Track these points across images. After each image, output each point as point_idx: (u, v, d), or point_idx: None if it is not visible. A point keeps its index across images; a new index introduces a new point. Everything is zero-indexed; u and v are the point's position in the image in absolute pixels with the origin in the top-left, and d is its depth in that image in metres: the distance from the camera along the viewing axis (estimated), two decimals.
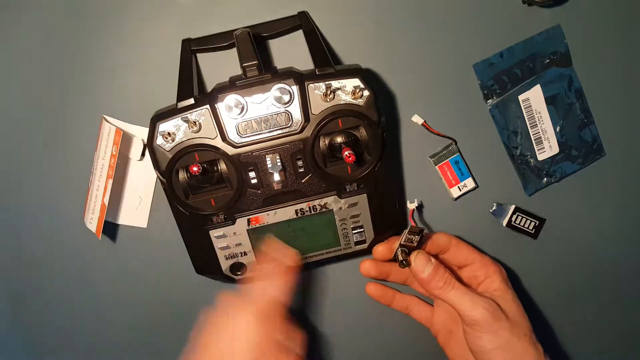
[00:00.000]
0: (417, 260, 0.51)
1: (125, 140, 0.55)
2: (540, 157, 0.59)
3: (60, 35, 0.55)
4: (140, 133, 0.56)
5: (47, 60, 0.55)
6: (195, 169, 0.48)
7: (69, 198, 0.58)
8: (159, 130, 0.48)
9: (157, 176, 0.50)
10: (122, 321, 0.62)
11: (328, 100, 0.48)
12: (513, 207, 0.59)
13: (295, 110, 0.48)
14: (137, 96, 0.56)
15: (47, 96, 0.56)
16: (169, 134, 0.48)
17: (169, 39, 0.54)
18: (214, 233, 0.52)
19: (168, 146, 0.48)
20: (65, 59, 0.55)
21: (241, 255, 0.54)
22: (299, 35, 0.54)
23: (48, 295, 0.61)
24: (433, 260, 0.51)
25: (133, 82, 0.56)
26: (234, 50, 0.50)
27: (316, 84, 0.48)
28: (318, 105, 0.48)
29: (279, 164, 0.49)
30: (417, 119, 0.57)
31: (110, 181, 0.53)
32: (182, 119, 0.48)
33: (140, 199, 0.58)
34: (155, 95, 0.54)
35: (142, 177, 0.58)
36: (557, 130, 0.59)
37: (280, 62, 0.55)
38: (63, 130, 0.57)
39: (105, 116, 0.55)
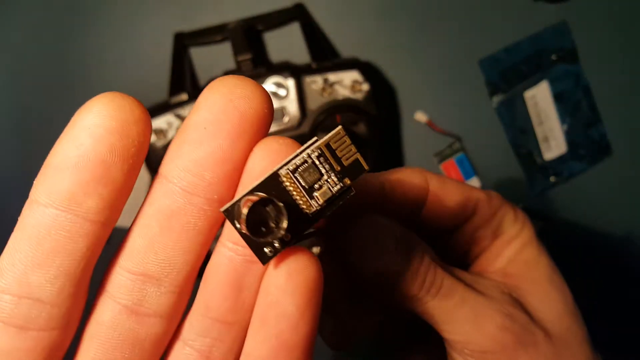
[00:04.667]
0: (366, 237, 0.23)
1: None
2: (547, 156, 0.58)
3: (51, 29, 0.54)
4: None
5: (37, 56, 0.55)
6: None
7: None
8: None
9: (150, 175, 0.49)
10: None
11: (325, 94, 0.47)
12: (520, 206, 0.58)
13: (292, 105, 0.47)
14: (131, 92, 0.54)
15: (36, 93, 0.55)
16: (160, 130, 0.47)
17: (162, 32, 0.53)
18: None
19: (160, 144, 0.47)
20: (56, 54, 0.55)
21: None
22: (295, 28, 0.53)
23: None
24: (397, 230, 0.23)
25: (126, 77, 0.55)
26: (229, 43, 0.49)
27: (313, 77, 0.47)
28: (315, 100, 0.47)
29: None
30: (421, 117, 0.56)
31: None
32: (174, 115, 0.47)
33: (138, 200, 0.57)
34: (150, 90, 0.53)
35: (139, 177, 0.56)
36: (564, 128, 0.57)
37: (276, 55, 0.54)
38: (55, 128, 0.55)
39: None
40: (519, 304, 0.25)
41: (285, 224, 0.16)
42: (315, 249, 0.24)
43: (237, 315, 0.18)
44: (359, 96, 0.47)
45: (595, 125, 0.58)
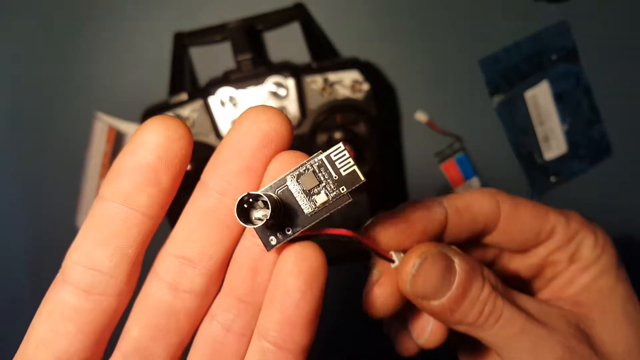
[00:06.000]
0: (424, 270, 0.24)
1: (118, 138, 0.54)
2: (548, 155, 0.57)
3: (50, 29, 0.54)
4: (134, 130, 0.55)
5: (35, 55, 0.54)
6: (188, 167, 0.46)
7: (59, 198, 0.57)
8: None
9: None
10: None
11: (325, 94, 0.47)
12: None
13: (292, 105, 0.47)
14: (131, 92, 0.54)
15: (35, 92, 0.55)
16: None
17: (162, 32, 0.53)
18: None
19: None
20: (55, 53, 0.54)
21: None
22: (295, 27, 0.53)
23: (40, 299, 0.60)
24: (458, 263, 0.24)
25: (126, 76, 0.54)
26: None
27: (313, 77, 0.47)
28: (315, 100, 0.47)
29: None
30: (421, 117, 0.55)
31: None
32: (174, 114, 0.46)
33: None
34: (149, 90, 0.53)
35: None
36: (565, 128, 0.57)
37: (275, 55, 0.54)
38: (53, 127, 0.55)
39: (97, 112, 0.54)
40: (585, 336, 0.25)
41: (268, 214, 0.19)
42: (376, 272, 0.26)
43: (254, 295, 0.21)
44: (359, 96, 0.47)
45: (596, 125, 0.58)
